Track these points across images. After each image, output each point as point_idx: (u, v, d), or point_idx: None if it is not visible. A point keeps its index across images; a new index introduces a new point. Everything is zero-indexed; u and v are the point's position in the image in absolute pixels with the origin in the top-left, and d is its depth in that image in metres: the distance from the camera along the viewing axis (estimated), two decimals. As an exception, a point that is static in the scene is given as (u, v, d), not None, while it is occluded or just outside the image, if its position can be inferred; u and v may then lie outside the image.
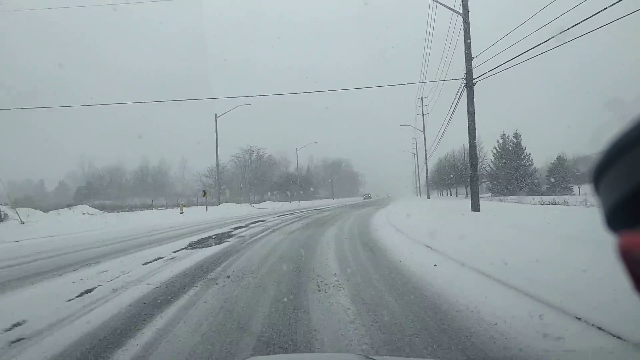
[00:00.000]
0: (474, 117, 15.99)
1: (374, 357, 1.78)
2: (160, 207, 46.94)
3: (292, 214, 26.23)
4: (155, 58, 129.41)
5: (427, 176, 52.21)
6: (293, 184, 68.53)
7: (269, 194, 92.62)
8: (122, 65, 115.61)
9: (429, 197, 50.26)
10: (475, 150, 16.95)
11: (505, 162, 47.55)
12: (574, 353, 3.00)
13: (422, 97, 51.03)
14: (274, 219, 21.09)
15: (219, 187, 40.00)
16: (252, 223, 18.16)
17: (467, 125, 16.14)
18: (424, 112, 50.64)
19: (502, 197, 39.77)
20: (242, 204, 42.99)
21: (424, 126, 49.95)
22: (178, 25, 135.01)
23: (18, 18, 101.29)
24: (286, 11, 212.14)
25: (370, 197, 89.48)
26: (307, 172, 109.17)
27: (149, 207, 47.75)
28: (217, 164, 39.93)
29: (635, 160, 0.42)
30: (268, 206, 44.51)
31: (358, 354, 2.13)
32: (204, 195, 31.44)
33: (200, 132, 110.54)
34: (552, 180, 44.74)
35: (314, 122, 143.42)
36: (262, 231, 13.98)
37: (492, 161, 48.44)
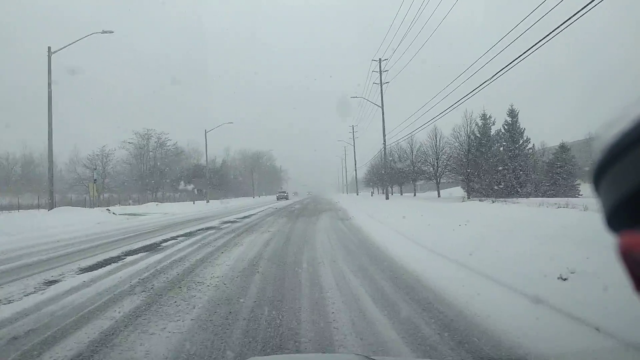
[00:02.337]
0: None
1: (374, 357, 1.74)
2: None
3: (154, 250, 10.42)
4: None
5: (385, 168, 38.24)
6: (200, 178, 51.70)
7: (179, 192, 74.27)
8: None
9: (387, 198, 36.55)
10: None
11: (483, 151, 34.84)
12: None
13: (380, 60, 37.36)
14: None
15: (51, 179, 22.72)
16: None
17: None
18: (383, 81, 36.99)
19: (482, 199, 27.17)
20: (98, 209, 25.98)
21: (382, 98, 36.24)
22: None
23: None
24: None
25: (286, 197, 63.01)
26: (222, 165, 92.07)
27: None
28: (50, 140, 22.61)
29: (636, 160, 0.42)
30: (152, 211, 28.01)
31: (357, 354, 2.00)
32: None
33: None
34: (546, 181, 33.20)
35: (234, 109, 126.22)
36: None
37: (468, 150, 35.65)
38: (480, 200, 23.22)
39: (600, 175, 0.47)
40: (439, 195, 36.37)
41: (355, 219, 17.33)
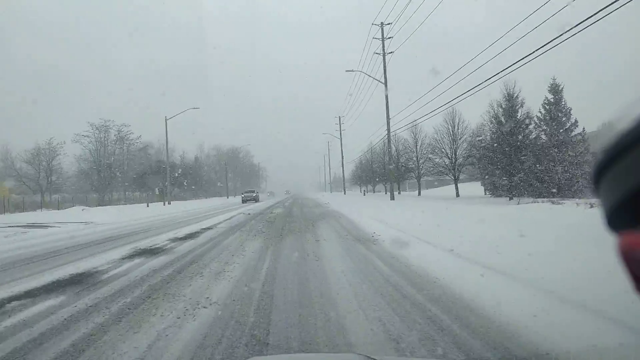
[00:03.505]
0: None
1: (375, 357, 1.63)
2: None
3: None
4: None
5: (391, 157, 30.12)
6: (156, 175, 42.97)
7: (139, 193, 64.79)
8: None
9: (392, 198, 28.62)
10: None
11: (502, 139, 27.17)
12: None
13: (382, 24, 29.48)
14: None
15: None
16: None
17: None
18: (386, 51, 29.10)
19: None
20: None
21: (385, 70, 28.36)
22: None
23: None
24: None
25: (255, 199, 43.89)
26: (195, 162, 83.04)
27: None
28: None
29: (636, 160, 0.42)
30: (69, 219, 19.55)
31: (358, 354, 1.86)
32: None
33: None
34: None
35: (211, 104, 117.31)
36: None
37: (510, 134, 27.81)
38: (553, 203, 15.67)
39: (601, 174, 0.46)
40: (457, 195, 28.72)
41: (386, 238, 9.37)
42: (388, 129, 28.46)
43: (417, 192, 43.49)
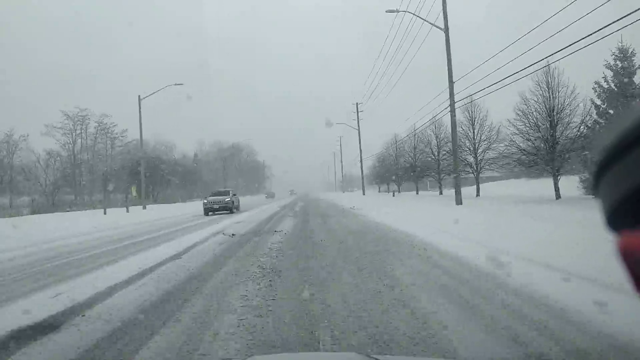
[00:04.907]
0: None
1: (376, 357, 1.61)
2: None
3: None
4: None
5: (454, 135, 20.15)
6: (129, 171, 33.45)
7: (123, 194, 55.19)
8: None
9: (459, 202, 18.73)
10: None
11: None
12: None
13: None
14: None
15: None
16: None
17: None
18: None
19: None
20: None
21: (444, 6, 18.44)
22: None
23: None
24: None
25: (228, 206, 24.03)
26: (194, 159, 73.90)
27: None
28: None
29: (637, 159, 0.42)
30: None
31: (359, 353, 1.87)
32: None
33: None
34: None
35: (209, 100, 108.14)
36: None
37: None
38: None
39: (601, 173, 0.46)
40: (557, 195, 18.81)
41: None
42: (451, 93, 18.63)
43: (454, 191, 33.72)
